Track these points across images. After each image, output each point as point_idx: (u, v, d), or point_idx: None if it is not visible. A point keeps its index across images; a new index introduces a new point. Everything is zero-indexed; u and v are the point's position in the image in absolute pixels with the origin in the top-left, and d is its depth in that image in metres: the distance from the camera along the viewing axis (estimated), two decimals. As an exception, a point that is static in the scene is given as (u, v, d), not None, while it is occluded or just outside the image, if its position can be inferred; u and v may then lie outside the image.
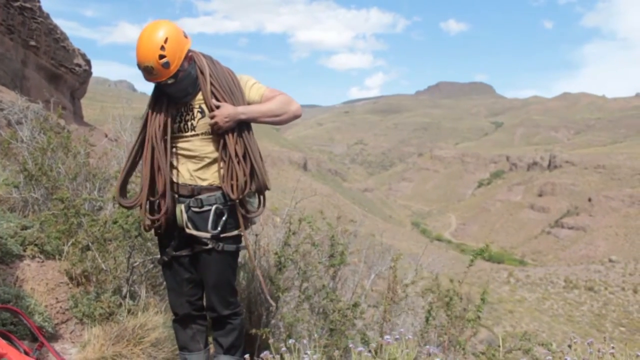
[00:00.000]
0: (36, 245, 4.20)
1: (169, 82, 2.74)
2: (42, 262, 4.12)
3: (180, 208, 2.90)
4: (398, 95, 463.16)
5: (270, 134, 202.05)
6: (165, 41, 2.63)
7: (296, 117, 2.99)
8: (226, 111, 2.77)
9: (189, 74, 2.80)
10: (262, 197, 3.05)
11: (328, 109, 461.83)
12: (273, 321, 3.98)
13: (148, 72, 2.68)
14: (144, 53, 2.64)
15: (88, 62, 35.87)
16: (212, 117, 2.79)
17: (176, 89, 2.80)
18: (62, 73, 31.46)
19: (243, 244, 3.08)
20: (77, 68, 33.44)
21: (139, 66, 2.69)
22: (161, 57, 2.63)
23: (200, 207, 2.88)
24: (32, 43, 27.43)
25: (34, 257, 4.11)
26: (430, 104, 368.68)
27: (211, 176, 2.90)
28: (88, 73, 36.19)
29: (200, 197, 2.89)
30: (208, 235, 2.87)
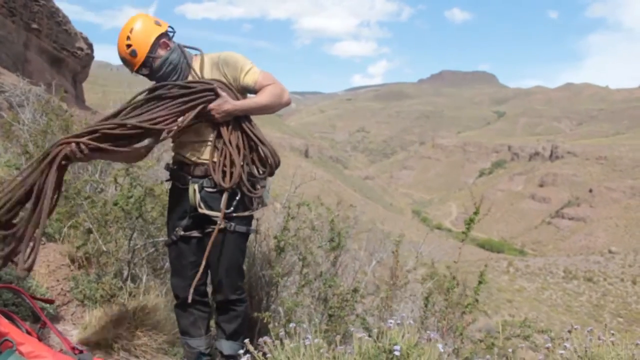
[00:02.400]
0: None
1: (144, 72, 2.85)
2: (44, 244, 4.14)
3: (194, 188, 2.93)
4: (401, 83, 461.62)
5: (273, 121, 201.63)
6: (131, 31, 2.76)
7: (286, 106, 3.04)
8: (224, 107, 2.81)
9: (166, 60, 2.84)
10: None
11: (330, 96, 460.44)
12: (273, 306, 3.99)
13: (124, 63, 2.84)
14: (117, 47, 2.80)
15: (90, 46, 35.68)
16: (210, 110, 2.83)
17: (158, 78, 2.87)
18: (64, 57, 31.31)
19: (253, 227, 3.11)
20: (79, 52, 33.28)
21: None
22: (128, 46, 2.76)
23: (214, 187, 2.91)
24: (34, 26, 27.28)
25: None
26: (432, 93, 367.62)
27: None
28: (90, 57, 36.01)
29: (212, 178, 2.90)
30: (220, 214, 2.88)
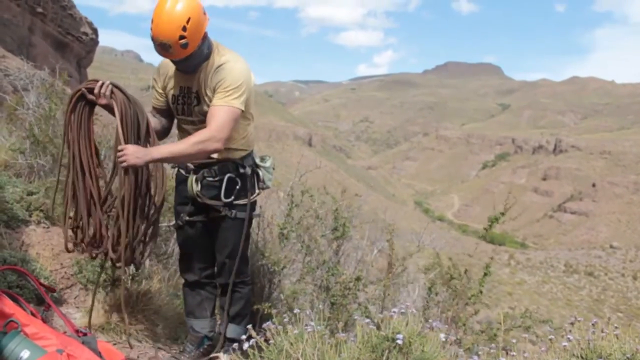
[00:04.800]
0: (41, 211, 4.21)
1: (176, 59, 2.72)
2: (48, 227, 4.14)
3: (192, 179, 2.97)
4: (405, 73, 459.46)
5: (276, 109, 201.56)
6: (188, 21, 2.54)
7: (214, 152, 2.84)
8: (135, 149, 2.61)
9: (201, 52, 2.75)
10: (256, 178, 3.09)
11: (334, 85, 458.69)
12: (275, 293, 4.01)
13: (164, 48, 2.61)
14: (163, 29, 2.55)
15: (95, 31, 35.57)
16: (120, 154, 2.61)
17: (183, 65, 2.79)
18: (68, 41, 31.23)
19: (256, 211, 3.13)
20: (83, 37, 33.18)
21: (155, 40, 2.60)
22: (181, 37, 2.55)
23: (214, 177, 2.95)
24: (39, 10, 27.19)
25: (39, 223, 4.12)
26: (437, 84, 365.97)
27: (219, 151, 2.91)
28: (95, 42, 35.91)
29: (213, 167, 2.95)
30: (221, 203, 2.94)
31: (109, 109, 2.72)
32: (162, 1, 2.56)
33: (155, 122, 3.00)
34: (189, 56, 2.68)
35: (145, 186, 2.77)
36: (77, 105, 2.75)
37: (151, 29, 2.59)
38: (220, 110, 2.73)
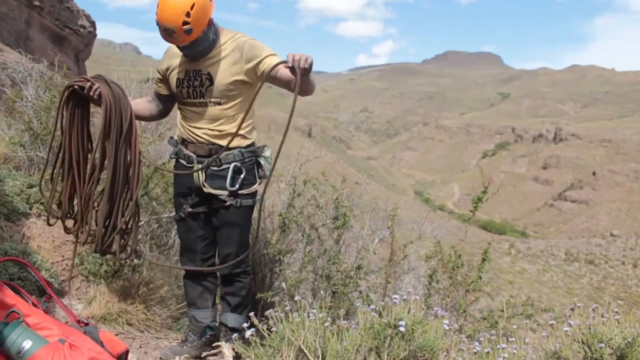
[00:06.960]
0: (42, 203, 4.21)
1: (182, 45, 2.73)
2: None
3: (198, 168, 2.96)
4: (405, 63, 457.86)
5: (275, 100, 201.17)
6: (192, 7, 2.57)
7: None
8: (309, 59, 2.52)
9: (207, 38, 2.77)
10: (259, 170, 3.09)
11: (334, 76, 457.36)
12: (276, 283, 4.02)
13: (168, 33, 2.65)
14: (167, 14, 2.59)
15: (93, 24, 35.38)
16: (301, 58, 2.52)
17: (188, 51, 2.80)
18: (66, 34, 31.08)
19: (259, 196, 3.13)
20: (81, 29, 33.02)
21: (159, 25, 2.64)
22: (185, 23, 2.59)
23: (219, 166, 2.94)
24: (36, 3, 27.05)
25: (39, 216, 4.12)
26: (437, 73, 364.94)
27: (226, 136, 2.91)
28: (92, 35, 35.74)
29: (218, 157, 2.92)
30: (226, 192, 2.93)
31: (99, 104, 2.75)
32: None
33: (151, 106, 3.11)
34: (194, 42, 2.71)
35: (124, 173, 2.75)
36: (69, 101, 2.77)
37: (156, 14, 2.63)
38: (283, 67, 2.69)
